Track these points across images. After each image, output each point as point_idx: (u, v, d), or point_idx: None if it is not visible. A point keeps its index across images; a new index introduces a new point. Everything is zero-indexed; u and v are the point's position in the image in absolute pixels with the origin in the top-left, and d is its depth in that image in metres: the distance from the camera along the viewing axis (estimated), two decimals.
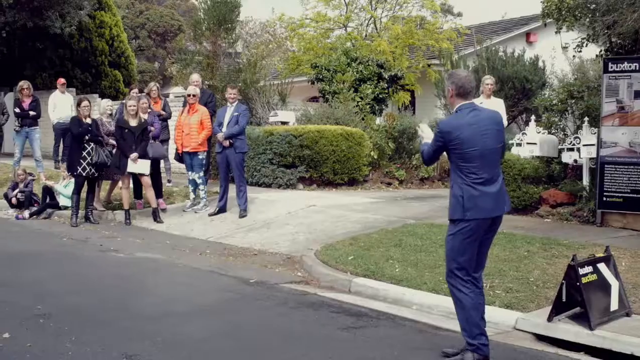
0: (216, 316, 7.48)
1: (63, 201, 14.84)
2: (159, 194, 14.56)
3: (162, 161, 16.01)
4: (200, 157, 14.03)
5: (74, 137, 13.92)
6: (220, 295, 8.42)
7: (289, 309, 7.83)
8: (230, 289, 8.75)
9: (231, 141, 13.47)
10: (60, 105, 19.02)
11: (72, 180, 14.50)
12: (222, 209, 13.91)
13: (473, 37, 24.55)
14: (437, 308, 7.81)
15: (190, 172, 14.26)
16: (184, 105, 14.45)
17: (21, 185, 15.05)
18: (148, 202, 14.13)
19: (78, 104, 14.23)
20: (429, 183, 18.51)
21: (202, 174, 14.13)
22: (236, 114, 13.62)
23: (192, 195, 14.50)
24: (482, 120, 6.14)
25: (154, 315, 7.35)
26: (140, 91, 16.80)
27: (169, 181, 16.68)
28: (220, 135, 13.57)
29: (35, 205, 15.09)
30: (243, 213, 13.56)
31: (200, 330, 6.86)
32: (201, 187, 14.19)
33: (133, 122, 13.65)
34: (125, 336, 6.54)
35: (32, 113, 17.02)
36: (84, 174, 13.74)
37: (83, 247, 11.52)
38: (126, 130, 13.64)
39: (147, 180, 13.84)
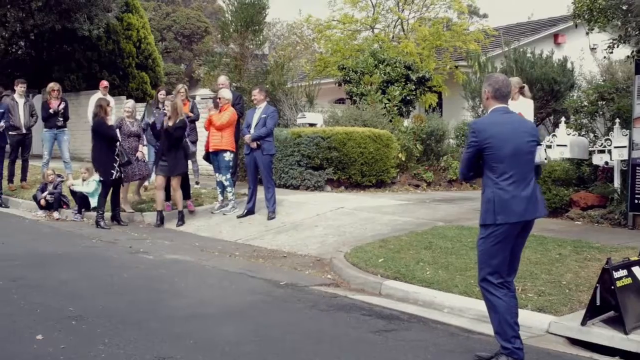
0: (247, 318, 7.47)
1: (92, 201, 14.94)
2: (186, 195, 14.60)
3: (190, 162, 16.07)
4: (226, 158, 14.03)
5: (108, 139, 13.83)
6: (251, 298, 8.41)
7: (319, 312, 7.81)
8: (260, 291, 8.75)
9: (258, 143, 13.47)
10: None
11: (94, 178, 14.58)
12: (250, 211, 13.92)
13: (501, 39, 24.40)
14: (468, 311, 7.77)
15: (217, 174, 14.29)
16: (215, 107, 14.43)
17: (50, 187, 15.12)
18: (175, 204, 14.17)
19: (101, 106, 14.19)
20: (457, 185, 18.46)
21: (228, 175, 14.14)
22: (264, 116, 13.62)
23: (220, 197, 14.54)
24: (516, 122, 6.19)
25: (185, 317, 7.35)
26: (168, 93, 16.82)
27: (197, 183, 16.72)
28: (247, 137, 13.58)
29: (64, 206, 15.16)
30: (271, 215, 13.56)
31: (231, 332, 6.86)
32: (229, 189, 14.21)
33: (170, 123, 13.65)
34: (157, 338, 6.54)
35: (60, 119, 17.09)
36: (115, 177, 13.78)
37: (112, 248, 11.55)
38: (162, 131, 13.67)
39: (177, 182, 13.87)
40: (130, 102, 16.04)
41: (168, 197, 14.41)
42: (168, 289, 8.73)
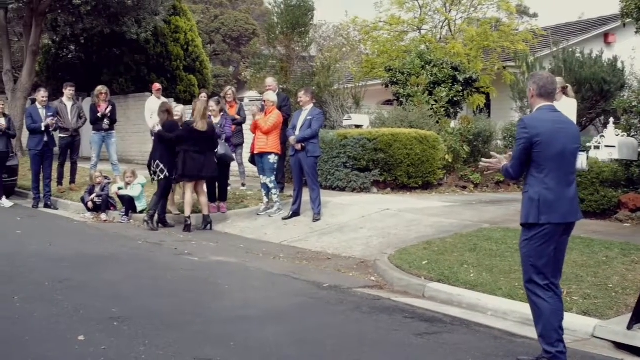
0: (289, 321, 7.47)
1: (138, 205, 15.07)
2: (223, 197, 14.62)
3: (237, 165, 16.14)
4: (270, 160, 14.03)
5: (172, 141, 13.86)
6: (294, 300, 8.41)
7: (362, 314, 7.77)
8: (303, 294, 8.74)
9: (303, 145, 13.47)
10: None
11: (139, 182, 14.72)
12: (295, 213, 13.93)
13: (549, 39, 24.14)
14: (512, 314, 7.68)
15: (262, 176, 14.30)
16: (261, 110, 14.42)
17: (97, 189, 15.25)
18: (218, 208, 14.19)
19: (168, 110, 14.22)
20: (504, 187, 18.28)
21: (273, 178, 14.14)
22: (309, 117, 13.62)
23: (265, 199, 14.54)
24: (563, 122, 6.16)
25: (227, 319, 7.36)
26: (214, 95, 16.88)
27: (242, 184, 16.77)
28: (292, 139, 13.59)
29: (112, 208, 15.29)
30: (317, 217, 13.56)
31: (273, 335, 6.84)
32: (273, 191, 14.21)
33: (202, 126, 13.61)
34: (198, 340, 6.55)
35: (106, 122, 17.28)
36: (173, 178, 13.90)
37: (158, 250, 11.63)
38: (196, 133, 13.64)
39: (201, 186, 13.87)
40: (180, 106, 16.14)
41: (213, 198, 14.46)
42: (211, 290, 8.76)
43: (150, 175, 14.19)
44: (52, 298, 7.92)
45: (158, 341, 6.43)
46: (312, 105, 13.97)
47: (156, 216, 13.87)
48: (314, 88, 18.59)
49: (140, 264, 10.38)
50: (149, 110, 18.15)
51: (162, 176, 13.76)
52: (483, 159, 6.74)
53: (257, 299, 8.40)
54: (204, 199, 13.86)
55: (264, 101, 14.40)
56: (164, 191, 14.00)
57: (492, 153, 6.81)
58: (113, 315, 7.21)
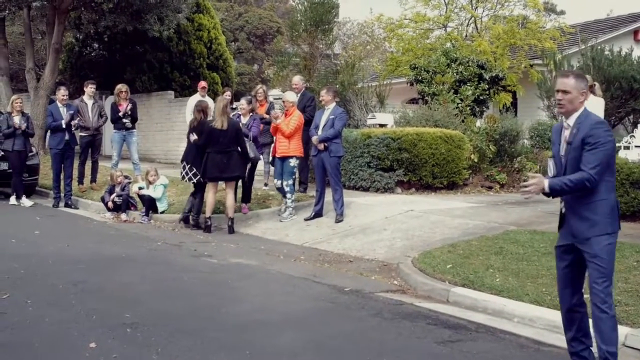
0: (308, 327, 7.24)
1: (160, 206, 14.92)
2: (246, 198, 14.39)
3: (262, 164, 15.91)
4: (291, 164, 13.75)
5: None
6: (313, 305, 8.18)
7: (383, 320, 7.52)
8: (323, 298, 8.51)
9: (326, 145, 13.24)
10: None
11: (161, 182, 14.60)
12: (318, 214, 13.70)
13: (577, 36, 23.79)
14: (539, 321, 7.42)
15: (276, 180, 14.00)
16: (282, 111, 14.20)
17: (118, 189, 15.12)
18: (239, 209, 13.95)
19: (204, 110, 14.02)
20: None
21: (290, 181, 13.82)
22: (332, 117, 13.38)
23: (284, 201, 14.26)
24: None
25: (244, 325, 7.13)
26: (238, 93, 16.68)
27: (265, 184, 16.53)
28: (315, 139, 13.35)
29: (132, 208, 15.15)
30: (339, 218, 13.32)
31: (290, 342, 6.62)
32: (288, 195, 13.90)
33: (221, 125, 13.25)
34: (213, 347, 6.34)
35: (126, 121, 17.14)
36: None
37: (177, 251, 11.44)
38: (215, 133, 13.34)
39: (231, 186, 13.64)
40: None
41: (245, 198, 14.28)
42: (229, 294, 8.54)
43: (181, 175, 14.05)
44: (66, 302, 7.75)
45: (171, 348, 6.23)
46: (334, 104, 13.72)
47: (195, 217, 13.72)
48: (337, 86, 18.37)
49: (157, 266, 10.20)
50: (192, 109, 17.23)
51: (194, 180, 13.66)
52: (522, 188, 5.90)
53: (275, 304, 8.18)
54: (229, 201, 13.51)
55: (283, 101, 14.16)
56: (198, 192, 13.80)
57: (528, 174, 6.26)
58: (126, 321, 7.01)
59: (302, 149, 14.07)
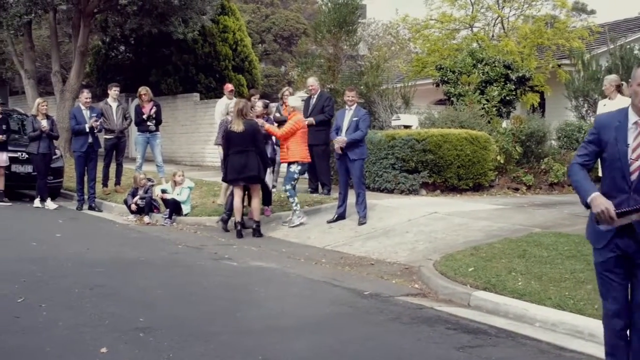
0: (324, 332, 7.11)
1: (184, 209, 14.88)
2: (267, 200, 14.26)
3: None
4: (291, 169, 13.61)
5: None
6: (331, 309, 8.04)
7: (401, 325, 7.38)
8: (342, 302, 8.37)
9: (342, 147, 13.12)
10: None
11: (188, 185, 14.57)
12: (341, 216, 13.57)
13: (606, 36, 23.51)
14: (562, 325, 7.24)
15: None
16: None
17: (141, 191, 15.09)
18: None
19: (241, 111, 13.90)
20: (558, 188, 17.69)
21: (289, 187, 13.58)
22: (355, 118, 13.23)
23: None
24: None
25: (259, 329, 7.03)
26: (264, 95, 16.58)
27: (273, 187, 16.33)
28: (341, 141, 13.18)
29: (155, 211, 15.11)
30: (362, 220, 13.18)
31: (305, 347, 6.51)
32: (290, 199, 13.73)
33: (237, 127, 13.13)
34: (226, 353, 6.23)
35: (150, 124, 17.11)
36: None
37: (197, 254, 11.37)
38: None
39: (256, 189, 13.46)
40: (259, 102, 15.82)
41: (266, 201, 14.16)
42: (246, 298, 8.44)
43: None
44: (80, 306, 7.68)
45: (183, 354, 6.13)
46: (356, 104, 13.59)
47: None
48: (362, 87, 18.24)
49: (176, 269, 10.14)
50: (220, 113, 17.12)
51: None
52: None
53: (293, 308, 8.07)
54: (255, 203, 13.41)
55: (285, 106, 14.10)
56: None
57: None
58: (140, 325, 6.92)
59: (306, 154, 13.85)
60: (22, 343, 6.34)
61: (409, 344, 6.73)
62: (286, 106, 15.22)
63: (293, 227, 13.66)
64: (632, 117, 5.23)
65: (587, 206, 5.10)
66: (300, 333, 7.01)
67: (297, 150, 13.58)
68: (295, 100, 14.16)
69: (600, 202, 4.99)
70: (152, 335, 6.63)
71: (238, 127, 13.03)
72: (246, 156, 13.03)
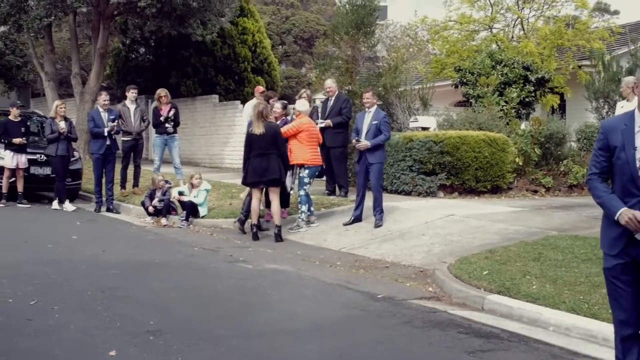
0: (334, 335, 7.08)
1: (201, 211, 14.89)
2: (284, 203, 14.20)
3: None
4: (301, 174, 13.58)
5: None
6: (343, 312, 8.01)
7: (413, 329, 7.33)
8: (354, 305, 8.34)
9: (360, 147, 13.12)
10: None
11: (205, 187, 14.58)
12: (357, 219, 13.50)
13: (627, 36, 23.34)
14: (575, 330, 7.17)
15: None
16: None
17: (159, 194, 15.11)
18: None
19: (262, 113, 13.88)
20: (578, 191, 17.56)
21: (302, 192, 13.54)
22: (375, 122, 13.16)
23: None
24: None
25: (269, 333, 7.01)
26: (283, 97, 16.52)
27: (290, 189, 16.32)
28: (363, 145, 13.11)
29: (173, 213, 15.13)
30: (378, 223, 13.12)
31: (314, 350, 6.48)
32: (299, 205, 13.71)
33: (258, 130, 13.05)
34: (235, 356, 6.21)
35: (168, 126, 17.12)
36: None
37: (212, 257, 11.36)
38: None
39: (275, 192, 13.29)
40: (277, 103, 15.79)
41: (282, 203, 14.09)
42: (259, 301, 8.41)
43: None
44: (92, 308, 7.68)
45: (192, 357, 6.13)
46: (375, 107, 13.53)
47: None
48: (380, 89, 18.17)
49: (190, 272, 10.14)
50: (248, 115, 16.34)
51: None
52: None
53: (304, 311, 8.04)
54: (274, 207, 13.22)
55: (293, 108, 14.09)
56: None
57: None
58: (150, 328, 6.92)
59: (312, 157, 13.66)
60: (33, 345, 6.36)
61: (419, 348, 6.69)
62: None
63: (291, 230, 13.60)
64: (639, 120, 5.10)
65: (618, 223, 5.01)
66: (311, 336, 6.99)
67: (300, 153, 13.45)
68: (303, 104, 14.02)
69: (624, 214, 4.94)
70: (162, 338, 6.63)
71: (259, 129, 12.95)
72: (267, 159, 12.92)
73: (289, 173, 14.08)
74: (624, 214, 4.94)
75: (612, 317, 5.31)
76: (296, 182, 15.18)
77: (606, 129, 5.24)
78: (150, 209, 15.01)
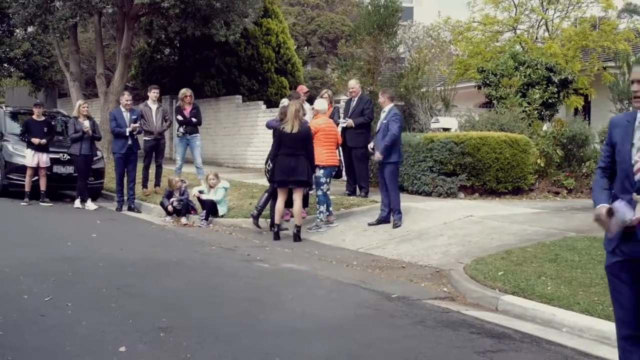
0: (344, 335, 7.07)
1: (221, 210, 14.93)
2: (305, 203, 14.15)
3: None
4: (317, 174, 13.47)
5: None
6: (355, 312, 8.00)
7: (424, 329, 7.31)
8: (367, 305, 8.32)
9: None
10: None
11: (223, 185, 14.63)
12: (383, 220, 13.35)
13: None
14: (589, 331, 7.14)
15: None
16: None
17: (177, 194, 15.15)
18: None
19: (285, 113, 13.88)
20: None
21: (319, 192, 13.53)
22: (384, 121, 13.14)
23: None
24: None
25: (280, 332, 7.01)
26: (308, 99, 16.49)
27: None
28: (377, 156, 13.15)
29: (192, 212, 15.18)
30: (397, 223, 13.09)
31: (323, 350, 6.48)
32: (317, 205, 13.68)
33: (290, 128, 12.88)
34: (244, 355, 6.22)
35: (194, 120, 17.20)
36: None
37: (229, 256, 11.38)
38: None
39: (299, 192, 13.20)
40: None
41: (290, 204, 14.06)
42: (272, 300, 8.42)
43: (265, 173, 14.15)
44: (106, 306, 7.72)
45: (200, 355, 6.14)
46: (390, 106, 13.46)
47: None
48: (401, 89, 18.16)
49: (206, 271, 10.17)
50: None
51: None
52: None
53: (317, 310, 8.03)
54: (297, 207, 13.15)
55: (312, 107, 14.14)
56: (273, 191, 13.60)
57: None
58: (162, 325, 6.95)
59: (328, 158, 13.59)
60: (44, 342, 6.41)
61: (429, 348, 6.66)
62: (329, 108, 15.17)
63: (310, 230, 13.60)
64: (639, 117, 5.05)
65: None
66: (321, 336, 6.99)
67: (316, 153, 13.27)
68: (321, 103, 14.00)
69: (596, 210, 4.95)
70: (173, 335, 6.65)
71: (293, 128, 12.80)
72: (296, 159, 12.79)
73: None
74: (596, 210, 4.95)
75: (614, 315, 5.28)
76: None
77: (611, 125, 5.25)
78: (170, 208, 15.05)
